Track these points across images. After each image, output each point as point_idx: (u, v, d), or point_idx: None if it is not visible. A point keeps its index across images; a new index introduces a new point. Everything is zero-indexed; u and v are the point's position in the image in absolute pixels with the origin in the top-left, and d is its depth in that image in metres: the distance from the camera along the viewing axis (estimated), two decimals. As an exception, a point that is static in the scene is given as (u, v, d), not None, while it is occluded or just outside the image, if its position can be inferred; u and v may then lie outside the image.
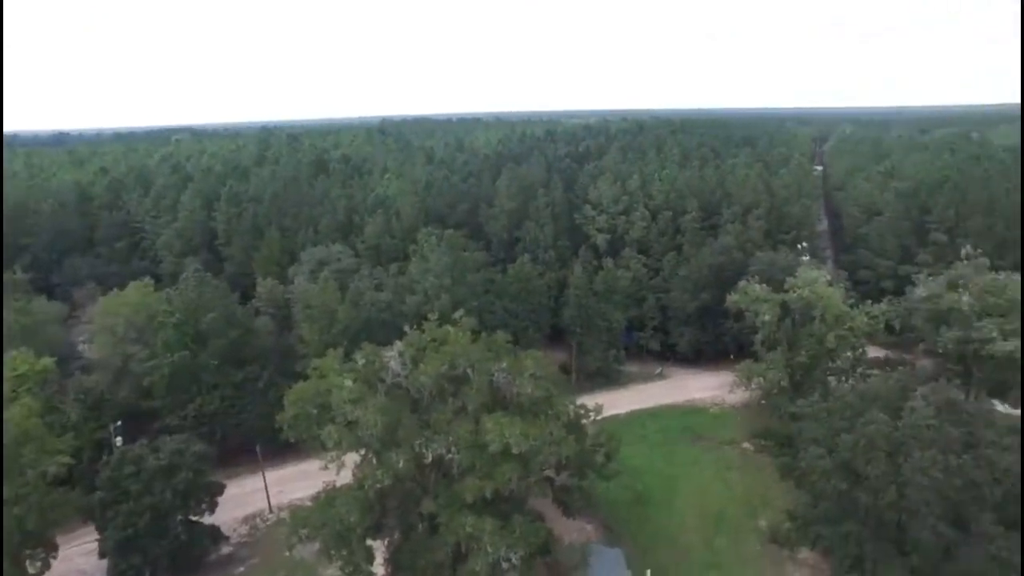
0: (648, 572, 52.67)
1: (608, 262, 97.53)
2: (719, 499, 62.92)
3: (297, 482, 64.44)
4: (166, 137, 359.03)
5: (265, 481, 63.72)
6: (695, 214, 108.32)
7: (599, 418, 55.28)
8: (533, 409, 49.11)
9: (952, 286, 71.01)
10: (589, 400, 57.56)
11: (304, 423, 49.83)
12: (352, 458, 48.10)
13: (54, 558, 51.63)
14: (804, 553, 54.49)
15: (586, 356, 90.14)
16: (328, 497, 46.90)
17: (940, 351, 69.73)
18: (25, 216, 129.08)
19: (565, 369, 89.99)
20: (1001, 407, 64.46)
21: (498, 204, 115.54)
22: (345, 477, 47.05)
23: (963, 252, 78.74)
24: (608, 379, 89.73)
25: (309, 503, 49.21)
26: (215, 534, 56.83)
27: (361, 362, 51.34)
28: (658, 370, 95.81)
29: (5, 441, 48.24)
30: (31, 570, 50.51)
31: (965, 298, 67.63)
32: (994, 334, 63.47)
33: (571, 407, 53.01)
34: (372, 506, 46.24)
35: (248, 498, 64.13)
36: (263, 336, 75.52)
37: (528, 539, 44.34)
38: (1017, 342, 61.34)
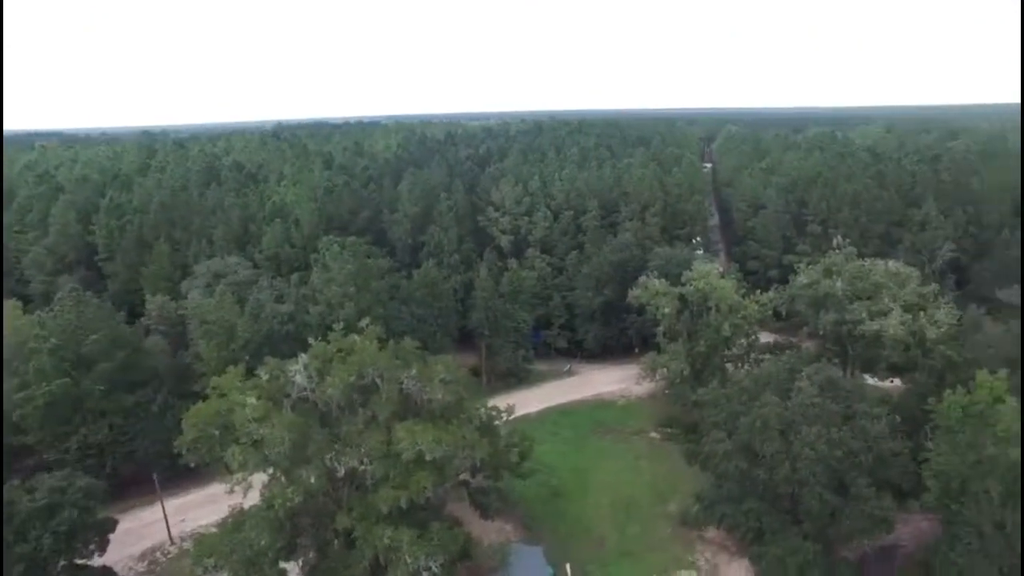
0: (568, 566, 53.99)
1: (513, 263, 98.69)
2: (630, 488, 65.26)
3: (201, 509, 61.10)
4: (28, 143, 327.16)
5: (164, 511, 59.52)
6: (595, 213, 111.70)
7: (511, 418, 56.18)
8: (445, 414, 49.15)
9: (827, 273, 77.08)
10: (501, 401, 58.33)
11: (206, 446, 47.35)
12: (260, 478, 46.24)
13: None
14: (711, 532, 57.52)
15: (495, 357, 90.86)
16: (235, 522, 44.82)
17: (820, 333, 75.59)
18: None
19: (475, 372, 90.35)
20: (871, 380, 70.85)
21: (401, 209, 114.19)
22: (253, 499, 45.17)
23: (835, 242, 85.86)
24: (518, 379, 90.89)
25: (215, 530, 46.71)
26: None
27: (264, 377, 49.43)
28: (566, 367, 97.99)
29: None
30: None
31: (838, 284, 73.69)
32: (863, 315, 69.53)
33: (483, 410, 53.44)
34: (283, 527, 44.59)
35: (146, 531, 59.84)
36: (155, 356, 70.76)
37: (447, 545, 44.31)
38: (883, 321, 67.52)
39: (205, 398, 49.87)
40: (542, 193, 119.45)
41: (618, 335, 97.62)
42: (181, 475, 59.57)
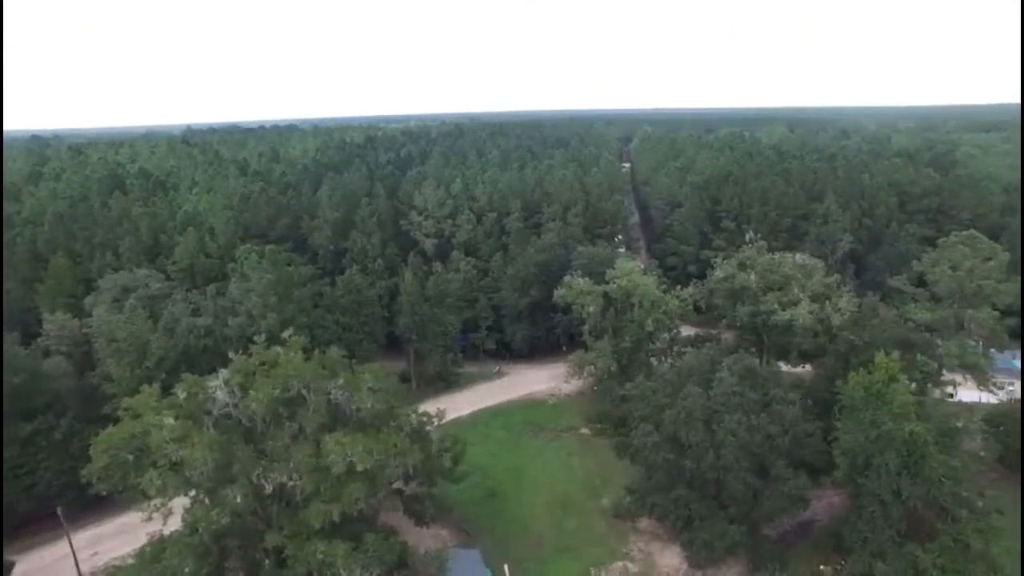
0: (506, 567, 54.28)
1: (438, 266, 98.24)
2: (564, 484, 66.27)
3: (115, 539, 57.40)
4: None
5: (72, 546, 54.77)
6: (518, 214, 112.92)
7: (443, 423, 55.93)
8: (375, 423, 48.50)
9: (742, 267, 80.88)
10: (431, 406, 57.99)
11: (119, 472, 44.53)
12: (181, 502, 44.08)
13: None
14: (644, 522, 59.20)
15: (424, 362, 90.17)
16: (155, 550, 42.51)
17: (738, 325, 79.13)
18: None
19: (404, 377, 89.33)
20: (785, 367, 74.86)
21: (321, 215, 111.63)
22: (174, 524, 43.00)
23: (747, 237, 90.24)
24: (448, 383, 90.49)
25: (132, 561, 44.04)
26: None
27: (182, 395, 47.06)
28: (496, 369, 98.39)
29: None
30: None
31: (752, 277, 77.46)
32: (775, 306, 73.38)
33: (413, 416, 52.88)
34: (209, 551, 42.68)
35: (50, 570, 55.31)
36: (57, 379, 65.74)
37: (383, 556, 43.70)
38: (794, 311, 71.50)
39: (116, 421, 46.86)
40: (465, 195, 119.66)
41: (545, 335, 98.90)
42: (91, 506, 55.92)
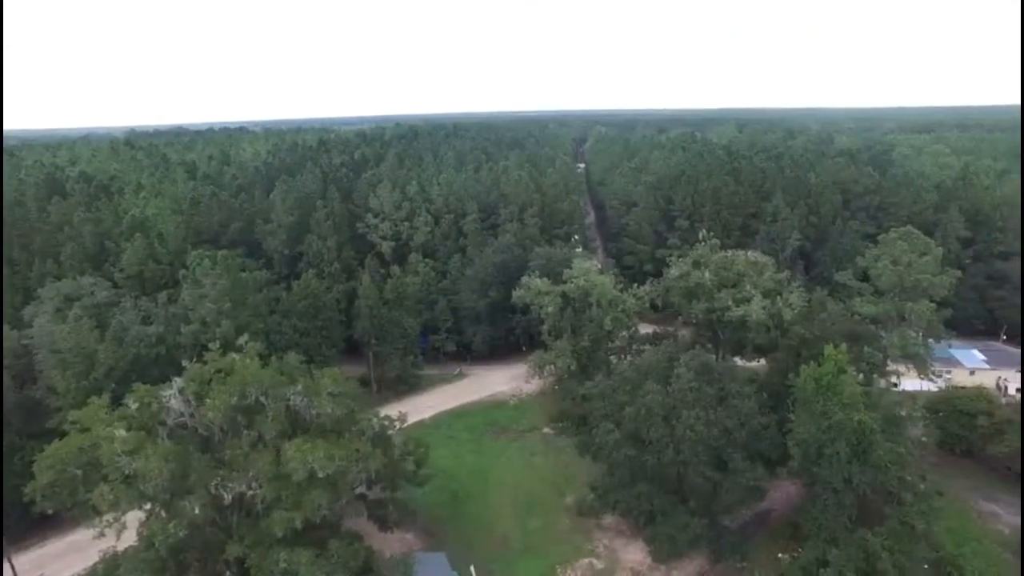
0: (472, 568, 54.28)
1: (396, 269, 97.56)
2: (528, 484, 66.74)
3: (64, 559, 55.29)
4: None
5: (14, 569, 52.81)
6: (475, 216, 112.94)
7: (405, 426, 55.93)
8: (336, 428, 48.14)
9: (696, 265, 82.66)
10: (393, 409, 57.80)
11: (66, 488, 43.10)
12: (135, 516, 42.74)
13: None
14: (608, 519, 60.12)
15: (384, 365, 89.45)
16: (108, 568, 41.60)
17: (694, 321, 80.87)
18: None
19: (364, 381, 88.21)
20: (740, 362, 76.84)
21: (275, 219, 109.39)
22: (129, 539, 41.68)
23: (700, 235, 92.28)
24: (409, 386, 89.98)
25: (84, 580, 42.57)
26: None
27: (134, 406, 45.76)
28: (456, 370, 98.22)
29: None
30: None
31: (706, 275, 79.27)
32: (729, 303, 75.25)
33: (375, 420, 52.63)
34: (166, 565, 41.78)
35: (-9, 594, 53.08)
36: (-4, 393, 62.79)
37: (347, 562, 43.52)
38: (747, 307, 73.48)
39: (63, 435, 45.36)
40: (421, 197, 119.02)
41: (505, 335, 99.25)
42: (35, 524, 53.80)
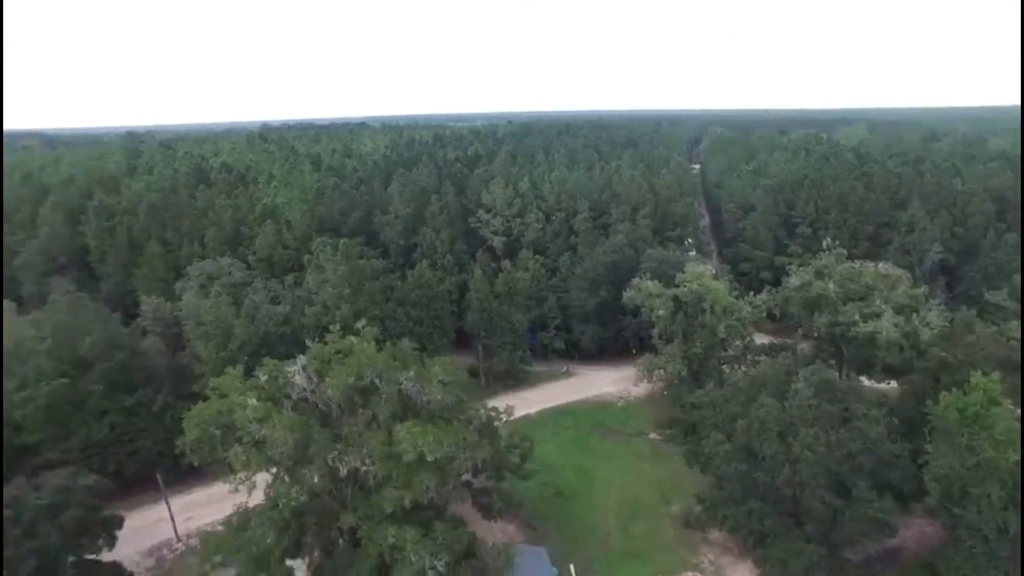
0: (572, 567, 54.22)
1: (507, 264, 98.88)
2: (634, 489, 65.48)
3: (206, 507, 61.15)
4: (11, 143, 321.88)
5: (170, 509, 59.64)
6: (586, 214, 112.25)
7: (511, 419, 56.18)
8: (445, 415, 49.15)
9: (819, 275, 77.94)
10: (500, 402, 58.41)
11: (208, 445, 47.26)
12: (263, 477, 46.02)
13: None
14: (715, 534, 57.79)
15: (493, 359, 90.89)
16: (241, 520, 44.77)
17: (815, 334, 76.29)
18: None
19: (473, 373, 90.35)
20: (867, 382, 71.65)
21: (392, 210, 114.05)
22: (257, 498, 44.96)
23: (824, 243, 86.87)
24: (516, 380, 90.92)
25: (221, 528, 46.69)
26: (116, 570, 51.75)
27: (264, 378, 49.23)
28: (564, 368, 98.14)
29: None
30: None
31: (830, 286, 74.54)
32: (856, 317, 70.30)
33: (482, 411, 53.37)
34: (289, 525, 44.53)
35: (152, 529, 59.87)
36: (153, 357, 70.02)
37: (451, 545, 44.32)
38: (877, 323, 68.33)
39: (205, 398, 49.72)
40: (533, 194, 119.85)
41: (615, 336, 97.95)
42: (185, 474, 59.57)
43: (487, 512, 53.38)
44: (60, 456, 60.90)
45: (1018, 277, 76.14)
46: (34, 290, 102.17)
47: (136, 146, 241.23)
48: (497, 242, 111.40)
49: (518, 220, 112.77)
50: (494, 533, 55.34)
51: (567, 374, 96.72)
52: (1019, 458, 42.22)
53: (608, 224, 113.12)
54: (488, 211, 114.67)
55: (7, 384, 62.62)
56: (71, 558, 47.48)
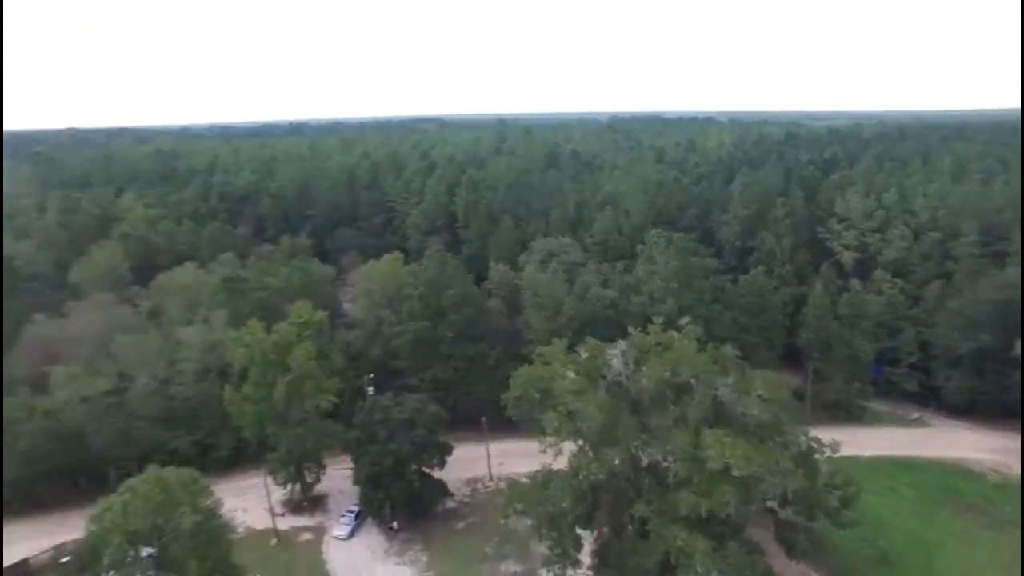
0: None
1: (855, 283, 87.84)
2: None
3: (517, 457, 67.52)
4: (415, 127, 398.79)
5: (488, 451, 68.89)
6: (973, 238, 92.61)
7: (835, 456, 49.36)
8: (759, 432, 45.89)
9: None
10: (825, 434, 51.45)
11: (527, 405, 51.99)
12: (569, 446, 48.70)
13: (323, 474, 65.62)
14: None
15: (824, 384, 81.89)
16: (544, 479, 48.38)
17: None
18: (308, 192, 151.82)
19: (798, 395, 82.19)
20: None
21: (731, 210, 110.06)
22: (561, 463, 47.82)
23: None
24: (849, 414, 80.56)
25: (526, 480, 51.23)
26: (443, 488, 63.49)
27: (584, 356, 51.77)
28: (915, 415, 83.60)
29: (290, 378, 59.27)
30: (308, 479, 64.67)
31: None
32: None
33: (803, 438, 48.32)
34: (584, 496, 46.64)
35: (472, 464, 69.44)
36: (494, 317, 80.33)
37: (743, 569, 41.60)
38: None
39: (531, 362, 54.64)
40: (900, 208, 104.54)
41: (996, 392, 78.43)
42: (505, 423, 65.66)
43: (790, 549, 48.45)
44: (416, 383, 74.23)
45: None
46: (416, 245, 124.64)
47: (503, 131, 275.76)
48: (847, 257, 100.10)
49: (876, 235, 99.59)
50: (793, 574, 49.86)
51: (919, 422, 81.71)
52: None
53: (1004, 253, 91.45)
54: (840, 221, 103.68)
55: (389, 317, 78.51)
56: (413, 466, 59.57)
